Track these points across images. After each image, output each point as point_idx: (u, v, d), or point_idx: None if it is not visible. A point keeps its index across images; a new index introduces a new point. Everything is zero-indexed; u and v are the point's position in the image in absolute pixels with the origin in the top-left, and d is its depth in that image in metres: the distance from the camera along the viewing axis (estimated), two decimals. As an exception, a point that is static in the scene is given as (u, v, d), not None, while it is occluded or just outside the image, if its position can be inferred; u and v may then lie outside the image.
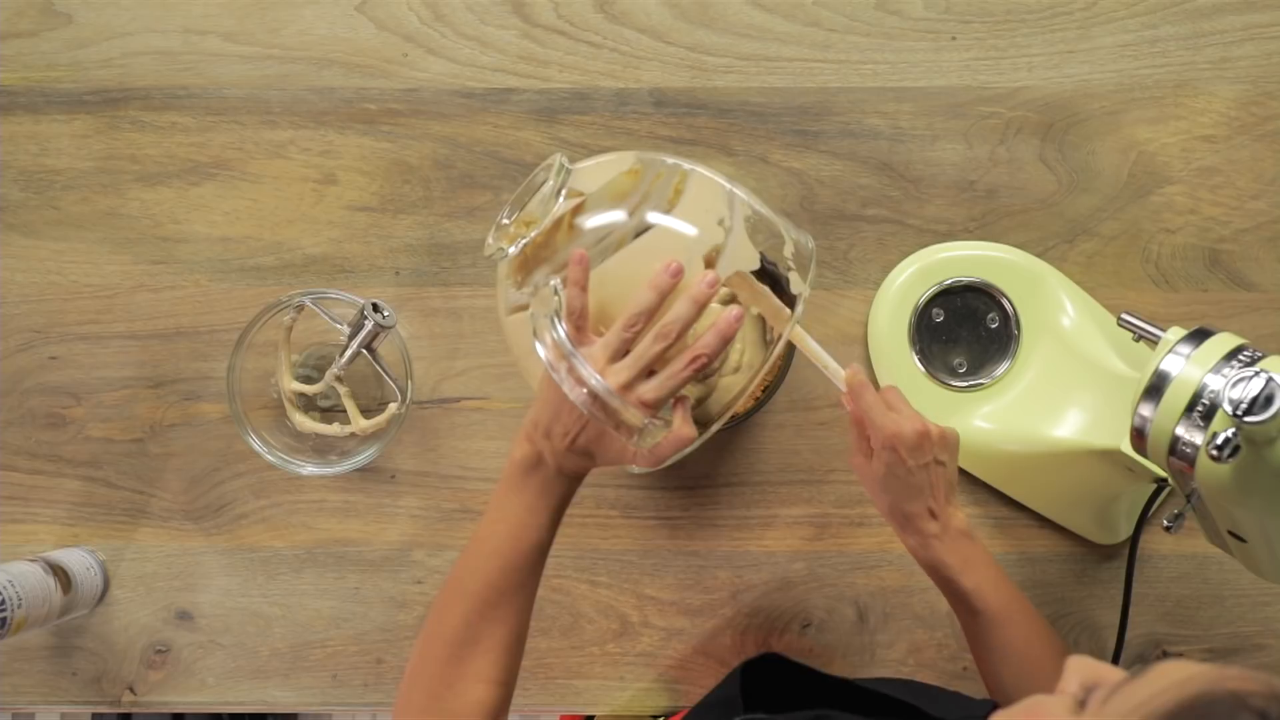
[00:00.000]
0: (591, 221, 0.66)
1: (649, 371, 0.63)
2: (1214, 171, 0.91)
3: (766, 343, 0.87)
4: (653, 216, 0.66)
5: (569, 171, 0.67)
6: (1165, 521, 0.68)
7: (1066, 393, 0.85)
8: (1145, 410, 0.65)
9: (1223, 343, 0.64)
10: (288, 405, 0.89)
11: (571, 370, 0.62)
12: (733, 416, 0.85)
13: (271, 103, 0.93)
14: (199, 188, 0.93)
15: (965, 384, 0.89)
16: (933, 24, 0.92)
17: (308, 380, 0.90)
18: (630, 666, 0.91)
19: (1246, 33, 0.91)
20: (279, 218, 0.93)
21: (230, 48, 0.93)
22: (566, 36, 0.92)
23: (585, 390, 0.62)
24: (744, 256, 0.65)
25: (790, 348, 0.84)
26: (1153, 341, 0.68)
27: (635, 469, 0.67)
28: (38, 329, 0.92)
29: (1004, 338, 0.89)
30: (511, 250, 0.66)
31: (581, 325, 0.64)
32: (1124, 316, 0.72)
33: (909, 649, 0.91)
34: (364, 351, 0.86)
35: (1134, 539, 0.85)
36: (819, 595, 0.91)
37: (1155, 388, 0.64)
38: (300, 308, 0.87)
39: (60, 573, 0.86)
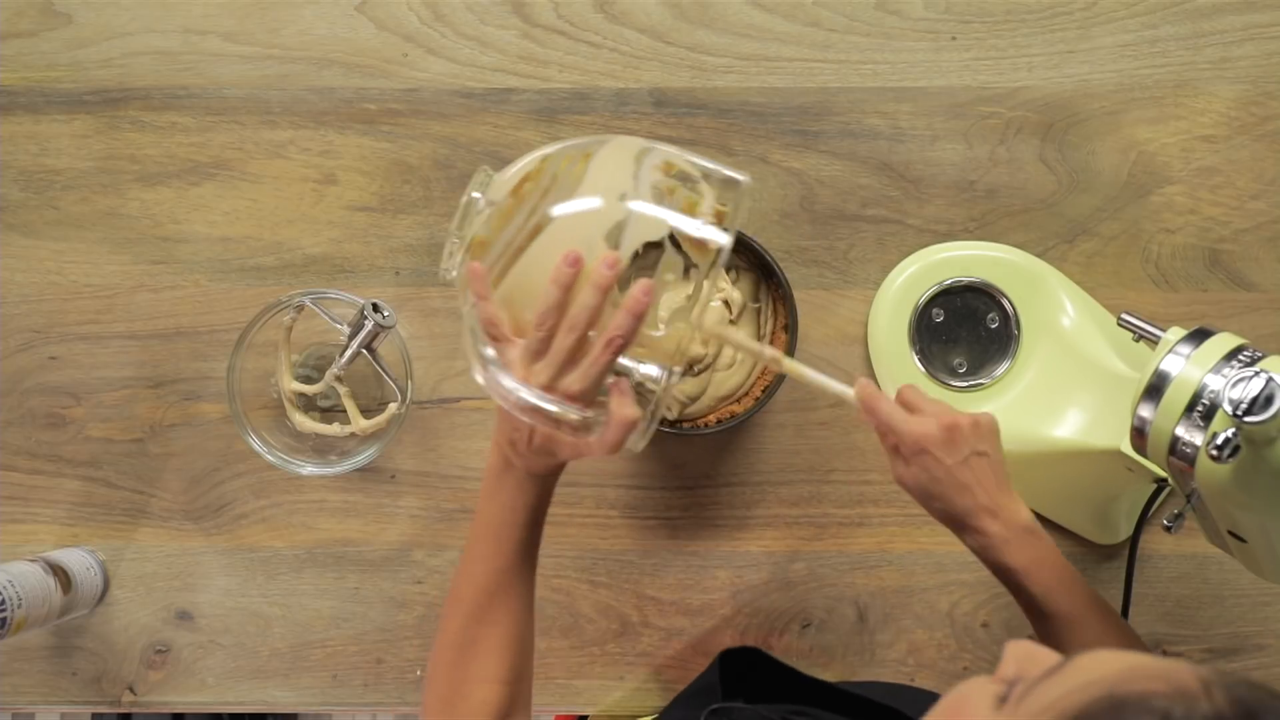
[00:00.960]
0: (508, 227, 0.65)
1: (573, 365, 0.62)
2: (1214, 171, 0.91)
3: (760, 338, 0.87)
4: (555, 209, 0.64)
5: (491, 182, 0.66)
6: (1165, 521, 0.68)
7: (1066, 393, 0.85)
8: (1145, 410, 0.65)
9: (1223, 343, 0.64)
10: (288, 405, 0.90)
11: (496, 387, 0.63)
12: (731, 415, 0.85)
13: (271, 103, 0.93)
14: (199, 188, 0.93)
15: (965, 384, 0.89)
16: (933, 24, 0.92)
17: (308, 380, 0.90)
18: (630, 666, 0.91)
19: (1246, 33, 0.91)
20: (279, 218, 0.93)
21: (230, 48, 0.93)
22: (566, 36, 0.92)
23: (515, 402, 0.62)
24: (648, 229, 0.62)
25: (790, 349, 0.84)
26: (1153, 341, 0.68)
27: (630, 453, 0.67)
28: (38, 329, 0.92)
29: (1004, 338, 0.89)
30: (454, 273, 0.66)
31: (496, 335, 0.63)
32: (1124, 316, 0.72)
33: (909, 649, 0.91)
34: (364, 351, 0.86)
35: (1134, 539, 0.85)
36: (819, 595, 0.91)
37: (1155, 388, 0.64)
38: (300, 308, 0.87)
39: (60, 573, 0.86)
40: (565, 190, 0.64)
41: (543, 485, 0.68)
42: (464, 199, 0.65)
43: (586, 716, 0.93)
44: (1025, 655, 0.46)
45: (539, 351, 0.62)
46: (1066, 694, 0.41)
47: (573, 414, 0.62)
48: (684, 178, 0.65)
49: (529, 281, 0.62)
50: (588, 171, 0.64)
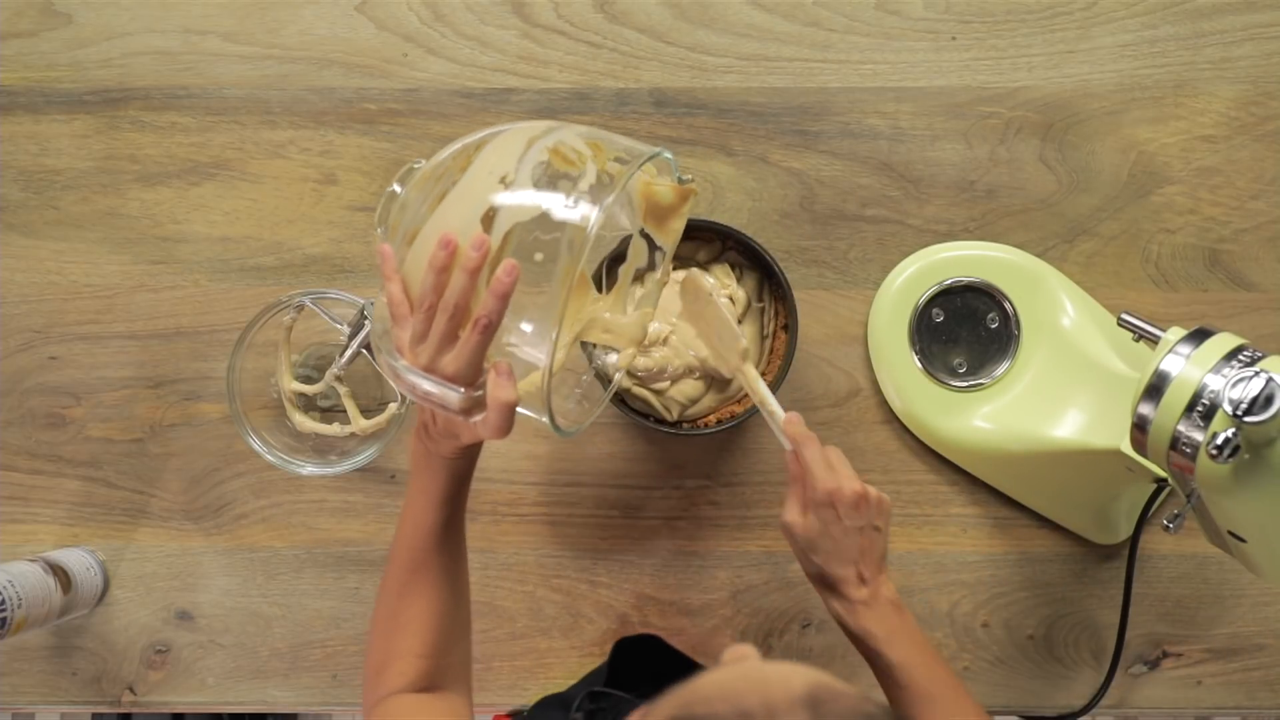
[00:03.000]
0: (413, 210, 0.66)
1: (451, 346, 0.62)
2: (1214, 171, 0.91)
3: (764, 337, 0.87)
4: (449, 194, 0.65)
5: (412, 173, 0.67)
6: (1165, 521, 0.68)
7: (1066, 393, 0.85)
8: (1145, 410, 0.65)
9: (1223, 343, 0.64)
10: (288, 405, 0.90)
11: (385, 364, 0.64)
12: (731, 416, 0.85)
13: (271, 103, 0.93)
14: (199, 188, 0.93)
15: (965, 384, 0.89)
16: (933, 24, 0.92)
17: (308, 380, 0.90)
18: (630, 666, 0.91)
19: (1246, 33, 0.91)
20: (279, 218, 0.93)
21: (230, 48, 0.93)
22: (566, 36, 0.92)
23: (398, 379, 0.64)
24: (520, 209, 0.63)
25: (790, 348, 0.84)
26: (1153, 341, 0.68)
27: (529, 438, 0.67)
28: (38, 329, 0.92)
29: (1004, 338, 0.89)
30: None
31: (396, 315, 0.64)
32: (1124, 316, 0.72)
33: (909, 649, 0.91)
34: (364, 351, 0.86)
35: (1134, 539, 0.85)
36: (819, 595, 0.91)
37: (1155, 388, 0.64)
38: (300, 308, 0.87)
39: (60, 573, 0.86)
40: (459, 174, 0.65)
41: (455, 468, 0.70)
42: (387, 189, 0.67)
43: (521, 710, 0.93)
44: (732, 654, 0.49)
45: (421, 334, 0.63)
46: (667, 706, 0.44)
47: (451, 394, 0.62)
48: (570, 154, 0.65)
49: (418, 263, 0.63)
50: (479, 156, 0.65)
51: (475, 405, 0.63)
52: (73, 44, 0.93)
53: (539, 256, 0.64)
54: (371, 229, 0.92)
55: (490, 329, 0.61)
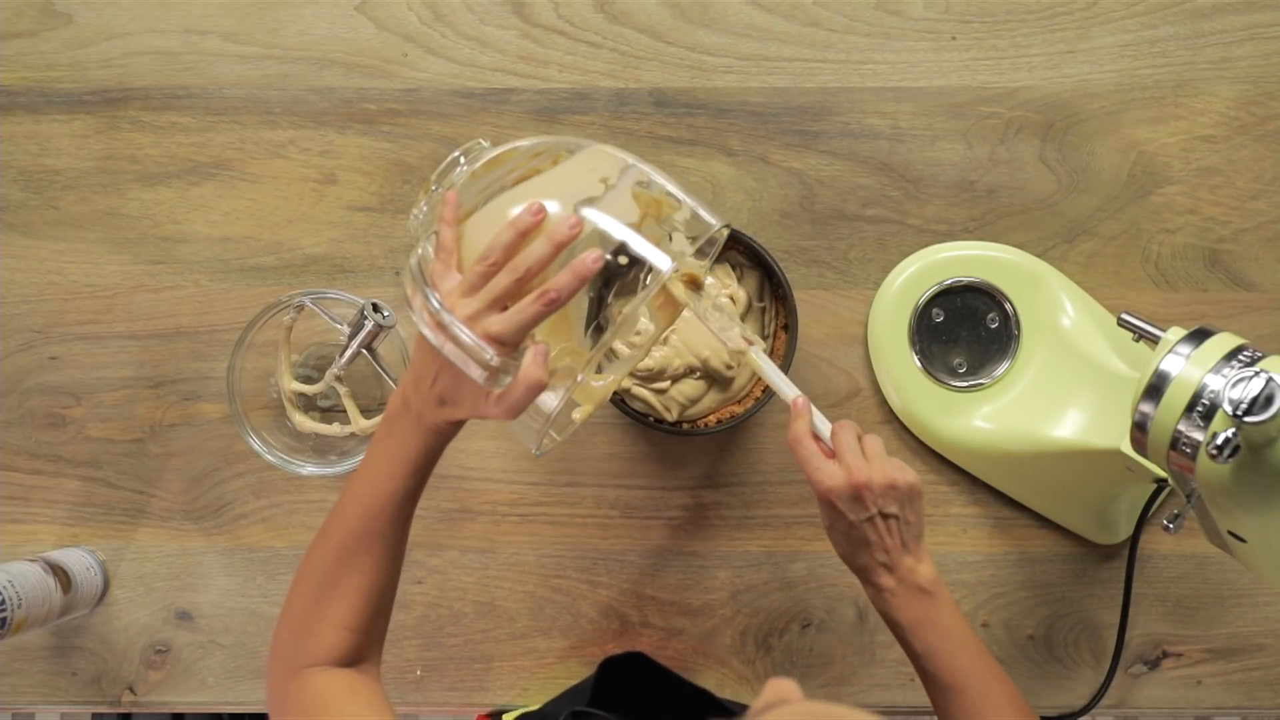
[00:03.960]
0: (481, 182, 0.67)
1: (502, 307, 0.61)
2: (1214, 171, 0.91)
3: (764, 337, 0.87)
4: (543, 170, 0.65)
5: (478, 150, 0.68)
6: (1165, 521, 0.68)
7: (1066, 393, 0.85)
8: (1145, 410, 0.65)
9: (1223, 343, 0.64)
10: (288, 405, 0.90)
11: (422, 303, 0.62)
12: (731, 416, 0.85)
13: (271, 103, 0.93)
14: (199, 188, 0.93)
15: (965, 384, 0.89)
16: (933, 24, 0.92)
17: (308, 380, 0.90)
18: (630, 666, 0.91)
19: (1246, 33, 0.91)
20: (279, 218, 0.93)
21: (230, 48, 0.93)
22: (566, 36, 0.92)
23: (434, 322, 0.61)
24: (620, 209, 0.63)
25: (790, 348, 0.84)
26: (1153, 341, 0.68)
27: (528, 427, 0.66)
28: (38, 329, 0.92)
29: (1004, 338, 0.89)
30: (420, 219, 0.68)
31: (447, 261, 0.63)
32: (1124, 316, 0.72)
33: (909, 649, 0.91)
34: (364, 351, 0.86)
35: (1134, 539, 0.85)
36: (819, 595, 0.91)
37: (1155, 388, 0.64)
38: (300, 308, 0.87)
39: (60, 573, 0.86)
40: (554, 161, 0.66)
41: (432, 439, 0.67)
42: (450, 155, 0.67)
43: (503, 710, 0.93)
44: (772, 692, 0.47)
45: (474, 285, 0.61)
46: None
47: (484, 354, 0.60)
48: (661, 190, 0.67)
49: (492, 222, 0.63)
50: (577, 153, 0.66)
51: (501, 373, 0.61)
52: (73, 44, 0.93)
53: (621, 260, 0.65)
54: (372, 229, 0.92)
55: (555, 304, 0.60)
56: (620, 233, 0.63)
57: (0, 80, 0.93)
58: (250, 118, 0.93)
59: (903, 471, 0.69)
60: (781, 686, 0.47)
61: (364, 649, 0.69)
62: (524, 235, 0.61)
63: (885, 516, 0.68)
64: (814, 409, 0.71)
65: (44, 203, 0.93)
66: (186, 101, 0.93)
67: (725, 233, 0.71)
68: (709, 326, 0.74)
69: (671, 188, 0.66)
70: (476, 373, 0.61)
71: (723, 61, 0.92)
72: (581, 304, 0.79)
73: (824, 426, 0.71)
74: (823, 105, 0.92)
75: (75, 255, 0.93)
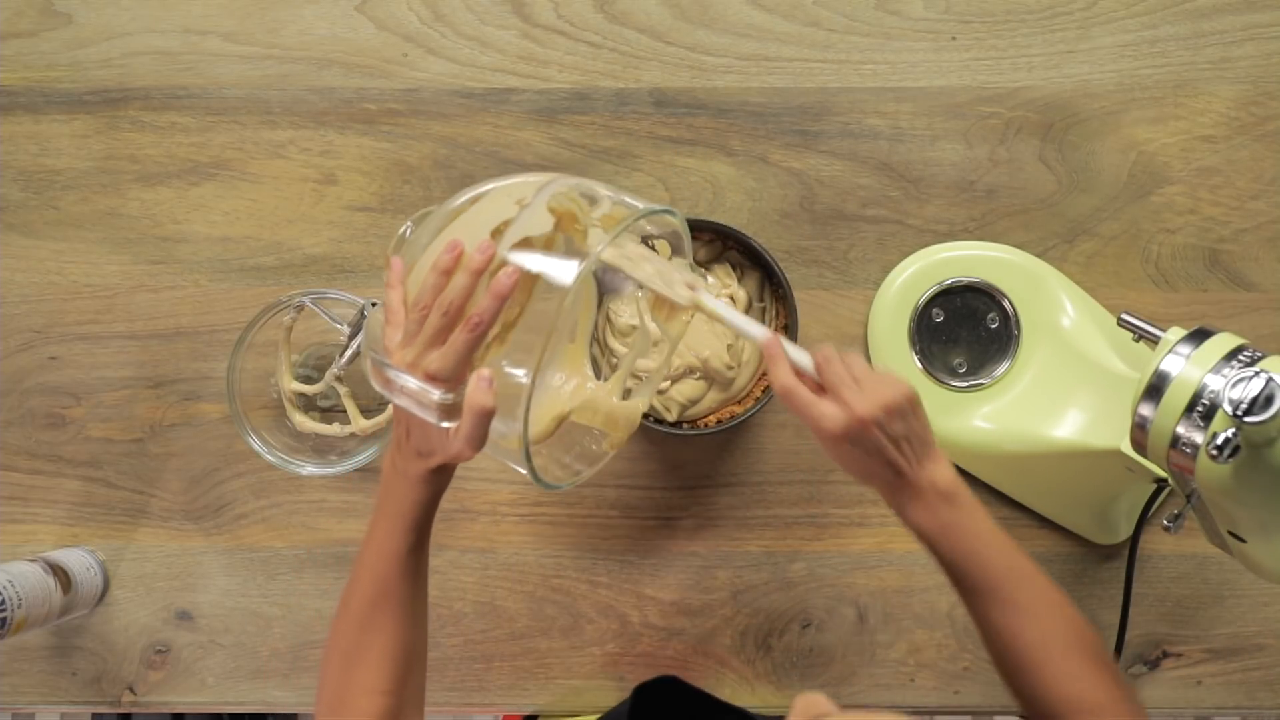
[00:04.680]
0: (421, 238, 0.68)
1: (439, 346, 0.62)
2: (1214, 171, 0.91)
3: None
4: (464, 216, 0.66)
5: (427, 216, 0.69)
6: (1165, 521, 0.68)
7: (1066, 393, 0.85)
8: (1145, 410, 0.65)
9: (1223, 343, 0.64)
10: (288, 405, 0.90)
11: (371, 365, 0.64)
12: (731, 416, 0.85)
13: (271, 103, 0.93)
14: (199, 188, 0.93)
15: (965, 384, 0.89)
16: (933, 24, 0.92)
17: (308, 380, 0.91)
18: (630, 666, 0.91)
19: (1246, 33, 0.91)
20: (279, 218, 0.93)
21: (230, 48, 0.93)
22: (566, 36, 0.92)
23: (382, 378, 0.63)
24: (533, 223, 0.64)
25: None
26: (1153, 341, 0.69)
27: (523, 461, 0.66)
28: (38, 329, 0.92)
29: (1004, 338, 0.89)
30: None
31: (394, 322, 0.64)
32: (1124, 316, 0.72)
33: (909, 649, 0.91)
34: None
35: (1134, 539, 0.85)
36: (819, 595, 0.91)
37: (1155, 388, 0.64)
38: (300, 308, 0.87)
39: (60, 573, 0.86)
40: (479, 206, 0.67)
41: (422, 490, 0.68)
42: (400, 230, 0.69)
43: (536, 716, 0.94)
44: (806, 707, 0.47)
45: (412, 334, 0.63)
46: None
47: (431, 393, 0.61)
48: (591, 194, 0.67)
49: (422, 276, 0.64)
50: (493, 191, 0.67)
51: (453, 410, 0.62)
52: (73, 44, 0.93)
53: (544, 278, 0.64)
54: (371, 229, 0.92)
55: (481, 329, 0.60)
56: (547, 224, 0.64)
57: (0, 80, 0.93)
58: (250, 118, 0.93)
59: (897, 386, 0.66)
60: (814, 700, 0.47)
61: (400, 710, 0.70)
62: (448, 274, 0.62)
63: (891, 438, 0.66)
64: (786, 343, 0.68)
65: (44, 203, 0.93)
66: (186, 101, 0.93)
67: (676, 222, 0.70)
68: (655, 288, 0.72)
69: (601, 189, 0.66)
70: (431, 415, 0.62)
71: (723, 61, 0.92)
72: (585, 325, 0.80)
73: (804, 359, 0.68)
74: (823, 105, 0.92)
75: (75, 255, 0.93)
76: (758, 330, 0.69)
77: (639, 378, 0.79)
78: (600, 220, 0.66)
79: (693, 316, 0.75)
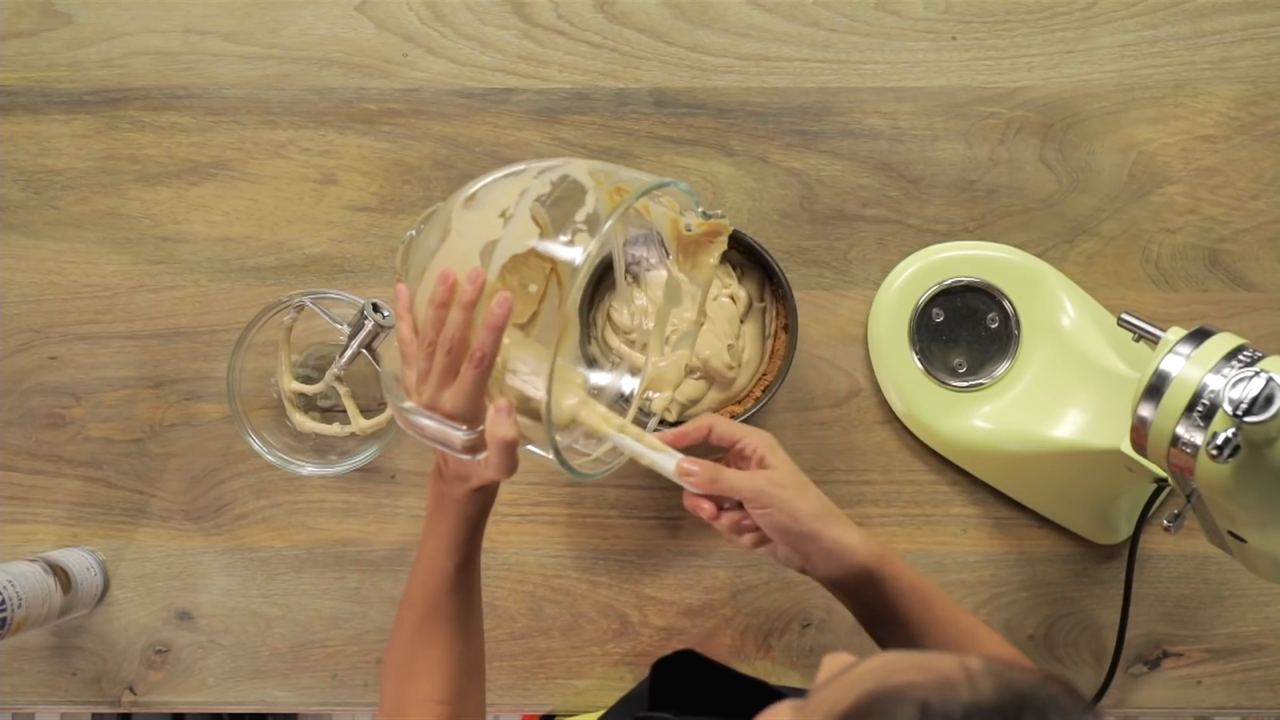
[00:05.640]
0: (424, 248, 0.66)
1: (451, 383, 0.62)
2: (1214, 171, 0.91)
3: (764, 337, 0.87)
4: (452, 228, 0.64)
5: (433, 216, 0.67)
6: (1165, 521, 0.68)
7: (1066, 393, 0.85)
8: (1145, 410, 0.65)
9: (1223, 343, 0.64)
10: (288, 405, 0.90)
11: (392, 406, 0.64)
12: (731, 416, 0.85)
13: (271, 103, 0.93)
14: (199, 188, 0.93)
15: (965, 384, 0.89)
16: (933, 24, 0.92)
17: (308, 380, 0.90)
18: (630, 666, 0.91)
19: (1246, 33, 0.91)
20: (279, 218, 0.93)
21: (230, 48, 0.93)
22: (566, 36, 0.92)
23: (405, 420, 0.63)
24: (518, 240, 0.62)
25: (790, 348, 0.84)
26: (1153, 341, 0.68)
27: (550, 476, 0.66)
28: (38, 329, 0.92)
29: (1004, 338, 0.89)
30: None
31: (407, 354, 0.64)
32: (1124, 316, 0.72)
33: (909, 649, 0.91)
34: (364, 351, 0.86)
35: (1134, 539, 0.85)
36: (819, 595, 0.91)
37: (1155, 388, 0.64)
38: (300, 308, 0.87)
39: (60, 573, 0.86)
40: (468, 209, 0.64)
41: (467, 511, 0.69)
42: (405, 236, 0.68)
43: (553, 715, 0.93)
44: (833, 663, 0.47)
45: (424, 371, 0.62)
46: (841, 693, 0.42)
47: (453, 433, 0.61)
48: (572, 186, 0.63)
49: (424, 301, 0.63)
50: (482, 192, 0.65)
51: (478, 444, 0.62)
52: (73, 44, 0.93)
53: (533, 288, 0.64)
54: (372, 229, 0.92)
55: (485, 363, 0.60)
56: (529, 240, 0.62)
57: (0, 80, 0.93)
58: (250, 118, 0.93)
59: (752, 479, 0.67)
60: (840, 658, 0.47)
61: (459, 716, 0.71)
62: (445, 307, 0.61)
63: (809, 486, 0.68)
64: (666, 454, 0.68)
65: (44, 203, 0.93)
66: (186, 101, 0.93)
67: (669, 188, 0.65)
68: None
69: (587, 177, 0.64)
70: (457, 452, 0.62)
71: (723, 61, 0.92)
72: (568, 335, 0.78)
73: (669, 463, 0.68)
74: (823, 105, 0.92)
75: (75, 255, 0.93)
76: (667, 461, 0.68)
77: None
78: (584, 220, 0.63)
79: (718, 259, 0.73)
